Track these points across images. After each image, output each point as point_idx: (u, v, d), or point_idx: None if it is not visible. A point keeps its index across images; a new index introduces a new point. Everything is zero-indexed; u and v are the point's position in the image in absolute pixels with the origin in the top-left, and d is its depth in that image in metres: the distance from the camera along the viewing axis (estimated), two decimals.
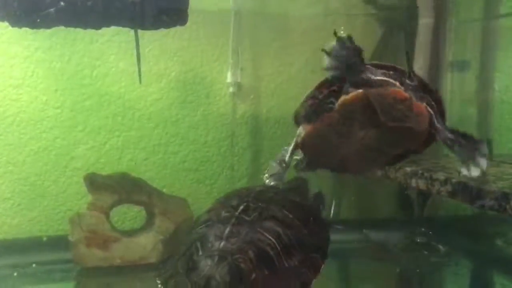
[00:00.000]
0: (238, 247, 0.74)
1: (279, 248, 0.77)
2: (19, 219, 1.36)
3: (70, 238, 1.11)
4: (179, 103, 1.48)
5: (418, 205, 1.36)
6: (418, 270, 1.23)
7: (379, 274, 1.21)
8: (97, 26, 0.98)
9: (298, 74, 1.56)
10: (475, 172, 0.88)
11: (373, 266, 1.25)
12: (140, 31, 1.23)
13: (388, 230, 1.38)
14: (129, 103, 1.44)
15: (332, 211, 1.50)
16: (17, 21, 0.92)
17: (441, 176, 0.96)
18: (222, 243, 0.75)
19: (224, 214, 0.81)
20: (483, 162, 0.88)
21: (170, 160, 1.48)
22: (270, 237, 0.78)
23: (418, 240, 1.28)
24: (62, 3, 0.84)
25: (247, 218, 0.79)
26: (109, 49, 1.41)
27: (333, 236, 1.43)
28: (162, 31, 1.43)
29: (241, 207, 0.81)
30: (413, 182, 1.01)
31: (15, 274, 1.06)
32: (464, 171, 0.89)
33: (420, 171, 1.01)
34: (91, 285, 1.05)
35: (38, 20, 0.88)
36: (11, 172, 1.36)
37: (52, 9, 0.83)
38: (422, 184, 0.99)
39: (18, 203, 1.37)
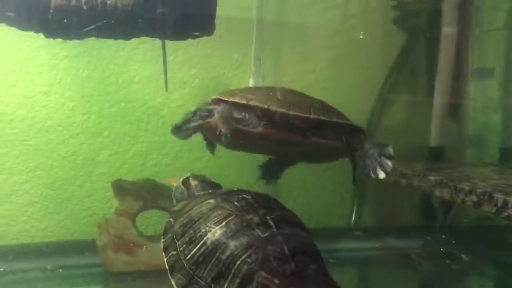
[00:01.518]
0: None
1: None
2: (46, 222, 1.40)
3: (98, 242, 1.14)
4: None
5: (441, 213, 1.35)
6: (440, 279, 1.22)
7: (401, 282, 1.21)
8: (128, 37, 1.01)
9: (318, 80, 1.58)
10: (381, 174, 0.95)
11: (395, 273, 1.25)
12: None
13: (410, 238, 1.38)
14: (153, 110, 1.47)
15: (353, 218, 1.50)
16: (51, 33, 0.94)
17: (465, 186, 0.96)
18: None
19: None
20: (388, 164, 0.96)
21: (193, 165, 1.50)
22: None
23: (441, 249, 1.28)
24: (100, 21, 0.86)
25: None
26: (134, 57, 1.43)
27: (354, 244, 1.45)
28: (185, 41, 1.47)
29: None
30: (437, 192, 1.01)
31: (43, 277, 1.08)
32: (372, 175, 0.95)
33: (444, 181, 1.01)
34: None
35: (73, 34, 0.91)
36: (39, 176, 1.40)
37: (92, 26, 0.86)
38: (446, 194, 0.99)
39: (45, 207, 1.40)
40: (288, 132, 0.94)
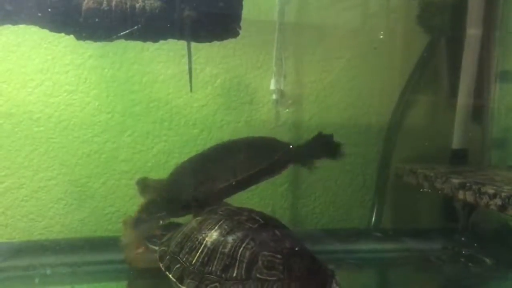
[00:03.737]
0: None
1: None
2: (70, 219, 1.43)
3: (122, 239, 1.16)
4: (223, 109, 1.52)
5: (464, 216, 1.34)
6: (461, 282, 1.22)
7: (420, 284, 1.20)
8: (155, 40, 1.03)
9: (339, 81, 1.58)
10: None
11: (414, 275, 1.25)
12: None
13: (431, 241, 1.37)
14: (176, 109, 1.49)
15: (373, 220, 1.50)
16: (82, 35, 0.96)
17: (489, 189, 0.96)
18: None
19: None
20: None
21: None
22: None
23: (463, 252, 1.27)
24: (129, 24, 0.88)
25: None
26: (158, 57, 1.45)
27: (374, 245, 1.44)
28: None
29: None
30: (460, 194, 1.00)
31: (70, 272, 1.11)
32: None
33: (468, 184, 1.01)
34: (142, 286, 1.09)
35: (103, 36, 0.93)
36: (64, 173, 1.43)
37: (124, 32, 0.88)
38: (470, 197, 0.99)
39: (70, 204, 1.43)
40: None
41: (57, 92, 1.41)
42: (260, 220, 0.88)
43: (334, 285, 0.84)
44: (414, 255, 1.35)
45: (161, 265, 0.88)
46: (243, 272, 0.79)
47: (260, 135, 1.57)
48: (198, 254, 0.84)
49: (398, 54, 1.62)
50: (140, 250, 1.07)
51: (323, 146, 1.27)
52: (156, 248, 0.97)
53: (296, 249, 0.84)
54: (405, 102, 1.54)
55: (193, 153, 1.54)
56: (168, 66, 1.47)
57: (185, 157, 1.53)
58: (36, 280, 1.05)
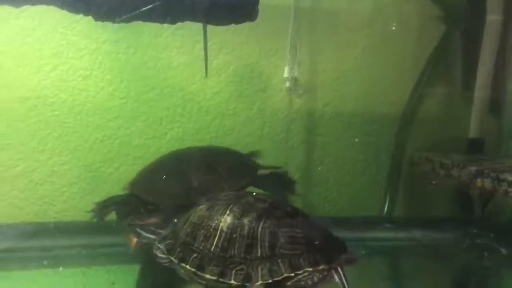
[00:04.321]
0: None
1: None
2: (84, 203, 1.43)
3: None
4: (236, 96, 1.52)
5: (480, 205, 1.33)
6: (475, 271, 1.21)
7: (433, 272, 1.20)
8: (173, 21, 1.02)
9: (354, 69, 1.57)
10: None
11: (427, 264, 1.24)
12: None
13: (446, 230, 1.36)
14: (189, 96, 1.48)
15: (385, 208, 1.50)
16: (100, 16, 0.96)
17: (509, 176, 0.95)
18: None
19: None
20: None
21: None
22: None
23: (478, 241, 1.26)
24: (147, 4, 0.87)
25: None
26: (172, 43, 1.45)
27: (387, 234, 1.44)
28: (222, 27, 1.48)
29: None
30: (478, 182, 1.00)
31: (85, 253, 1.11)
32: None
33: (485, 171, 1.00)
34: (156, 268, 1.09)
35: (122, 15, 0.93)
36: (78, 158, 1.43)
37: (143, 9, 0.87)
38: (488, 184, 0.98)
39: (83, 188, 1.43)
40: None
41: (72, 77, 1.41)
42: (267, 199, 0.89)
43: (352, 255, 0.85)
44: (427, 244, 1.34)
45: (172, 258, 0.86)
46: (267, 250, 0.80)
47: (273, 123, 1.57)
48: (216, 240, 0.83)
49: (413, 43, 1.60)
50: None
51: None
52: (152, 237, 0.95)
53: (310, 222, 0.86)
54: (420, 92, 1.52)
55: (205, 140, 1.55)
56: (182, 52, 1.46)
57: (198, 144, 1.55)
58: (50, 262, 1.05)
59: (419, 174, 1.40)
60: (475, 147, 1.41)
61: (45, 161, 1.41)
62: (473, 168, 1.01)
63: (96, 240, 1.19)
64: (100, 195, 1.44)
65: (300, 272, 0.78)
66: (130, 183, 1.23)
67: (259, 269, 0.79)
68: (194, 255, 0.83)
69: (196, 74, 1.47)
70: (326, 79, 1.55)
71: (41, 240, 1.18)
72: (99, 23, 1.37)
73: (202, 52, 1.44)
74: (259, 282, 0.78)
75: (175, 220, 0.94)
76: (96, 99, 1.43)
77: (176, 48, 1.46)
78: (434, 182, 1.26)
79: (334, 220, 1.42)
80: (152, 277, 1.04)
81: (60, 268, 1.03)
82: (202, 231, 0.85)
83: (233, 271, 0.79)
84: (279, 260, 0.79)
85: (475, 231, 1.33)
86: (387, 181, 1.53)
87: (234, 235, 0.82)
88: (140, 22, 1.30)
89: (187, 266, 0.83)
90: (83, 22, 1.40)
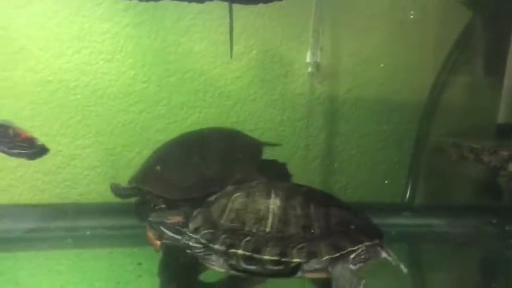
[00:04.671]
0: None
1: None
2: (105, 187, 1.43)
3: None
4: (257, 81, 1.50)
5: (508, 192, 1.31)
6: (501, 257, 1.19)
7: (457, 259, 1.18)
8: (200, 0, 1.01)
9: (376, 55, 1.54)
10: None
11: (451, 251, 1.22)
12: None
13: (471, 217, 1.34)
14: (211, 80, 1.48)
15: (407, 195, 1.48)
16: None
17: None
18: None
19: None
20: None
21: None
22: None
23: (506, 228, 1.24)
24: None
25: None
26: (193, 27, 1.44)
27: (408, 220, 1.42)
28: (245, 10, 1.46)
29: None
30: (510, 167, 0.97)
31: (107, 235, 1.12)
32: None
33: None
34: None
35: None
36: (100, 142, 1.44)
37: None
38: None
39: (105, 172, 1.44)
40: None
41: (94, 60, 1.41)
42: (302, 185, 0.91)
43: None
44: (449, 231, 1.33)
45: (216, 246, 0.84)
46: (324, 229, 0.83)
47: (294, 108, 1.56)
48: (270, 221, 0.84)
49: (437, 28, 1.57)
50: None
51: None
52: (177, 236, 0.92)
53: (346, 205, 0.90)
54: (445, 78, 1.50)
55: (226, 125, 1.54)
56: (204, 37, 1.45)
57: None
58: (75, 242, 1.06)
59: (444, 160, 1.38)
60: (503, 132, 1.38)
61: (67, 145, 1.42)
62: (505, 153, 0.99)
63: (120, 222, 1.19)
64: (122, 179, 1.46)
65: (361, 246, 0.82)
66: (140, 178, 1.19)
67: (322, 245, 0.81)
68: (247, 239, 0.83)
69: (218, 59, 1.46)
70: (348, 65, 1.53)
71: (65, 222, 1.19)
72: (121, 5, 1.39)
73: (224, 37, 1.44)
74: (326, 257, 0.80)
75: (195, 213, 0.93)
76: (118, 83, 1.43)
77: (197, 33, 1.45)
78: (453, 159, 1.23)
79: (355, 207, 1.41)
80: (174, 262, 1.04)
81: (85, 249, 1.04)
82: (251, 215, 0.85)
83: (295, 250, 0.80)
84: (339, 237, 0.82)
85: (505, 215, 1.31)
86: (409, 168, 1.51)
87: (288, 216, 0.84)
88: (167, 1, 1.31)
89: (239, 251, 0.82)
90: (106, 5, 1.40)
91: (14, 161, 1.37)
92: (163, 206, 1.09)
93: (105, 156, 1.44)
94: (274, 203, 0.85)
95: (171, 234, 0.92)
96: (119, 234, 1.09)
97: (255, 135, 1.51)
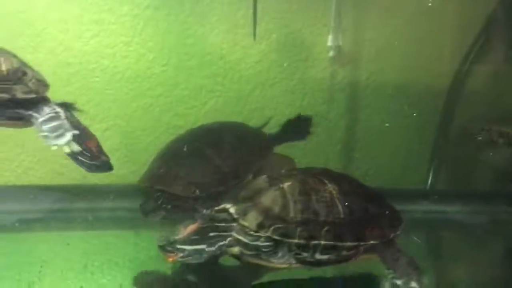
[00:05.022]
0: None
1: None
2: (124, 170, 1.43)
3: None
4: (277, 66, 1.48)
5: None
6: None
7: (477, 245, 1.16)
8: None
9: (399, 39, 1.51)
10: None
11: (471, 238, 1.20)
12: None
13: (494, 204, 1.31)
14: (230, 64, 1.46)
15: (429, 181, 1.45)
16: None
17: None
18: None
19: None
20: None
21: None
22: None
23: None
24: None
25: None
26: (213, 10, 1.42)
27: (430, 206, 1.40)
28: None
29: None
30: None
31: (129, 217, 1.11)
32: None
33: None
34: None
35: None
36: (119, 125, 1.43)
37: None
38: None
39: (124, 155, 1.43)
40: None
41: (113, 43, 1.40)
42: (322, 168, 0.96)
43: None
44: (471, 217, 1.30)
45: (295, 241, 0.80)
46: (377, 210, 0.87)
47: (315, 93, 1.54)
48: (340, 208, 0.84)
49: (462, 14, 1.53)
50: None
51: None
52: (200, 247, 0.83)
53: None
54: (470, 64, 1.46)
55: (245, 112, 1.52)
56: (223, 20, 1.43)
57: (237, 116, 1.52)
58: (98, 223, 1.06)
59: (468, 146, 1.35)
60: None
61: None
62: None
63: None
64: (140, 163, 1.45)
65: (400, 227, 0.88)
66: (151, 175, 1.16)
67: (385, 226, 0.85)
68: (326, 228, 0.81)
69: (237, 43, 1.44)
70: (371, 49, 1.50)
71: (85, 203, 1.19)
72: None
73: (243, 20, 1.42)
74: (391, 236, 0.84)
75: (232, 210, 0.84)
76: (137, 66, 1.41)
77: (216, 16, 1.43)
78: (479, 138, 1.22)
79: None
80: None
81: (106, 230, 1.04)
82: (320, 204, 0.83)
83: (367, 232, 0.82)
84: (389, 218, 0.87)
85: None
86: (431, 154, 1.48)
87: (349, 200, 0.84)
88: None
89: (322, 241, 0.80)
90: None
91: (33, 145, 1.38)
92: (169, 206, 1.07)
93: (124, 140, 1.43)
94: (333, 189, 0.85)
95: (191, 247, 0.82)
96: (139, 217, 1.08)
97: (274, 121, 1.50)
